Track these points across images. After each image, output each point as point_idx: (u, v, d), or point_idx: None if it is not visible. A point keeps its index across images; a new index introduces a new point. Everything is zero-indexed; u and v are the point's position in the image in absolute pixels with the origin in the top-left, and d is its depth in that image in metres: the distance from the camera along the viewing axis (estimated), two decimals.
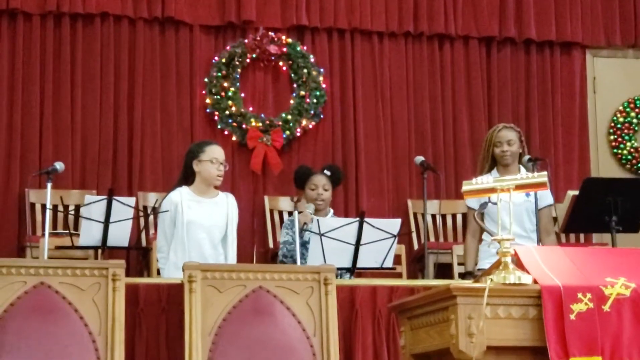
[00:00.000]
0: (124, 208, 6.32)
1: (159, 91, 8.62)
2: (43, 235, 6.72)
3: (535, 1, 9.31)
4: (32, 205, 7.97)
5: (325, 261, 5.92)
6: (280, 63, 8.86)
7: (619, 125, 9.44)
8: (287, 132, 8.71)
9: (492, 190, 4.12)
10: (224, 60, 8.72)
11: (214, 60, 8.75)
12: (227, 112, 8.66)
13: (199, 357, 4.91)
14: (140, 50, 8.62)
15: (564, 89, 9.36)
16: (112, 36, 8.59)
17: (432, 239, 8.44)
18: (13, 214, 8.20)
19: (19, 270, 4.87)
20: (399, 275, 7.62)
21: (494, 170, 6.52)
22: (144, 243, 7.76)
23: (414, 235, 8.57)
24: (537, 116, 9.24)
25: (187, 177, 6.36)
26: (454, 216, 8.71)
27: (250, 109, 8.74)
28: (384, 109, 8.98)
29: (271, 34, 8.80)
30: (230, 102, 8.66)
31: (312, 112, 8.80)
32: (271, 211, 8.55)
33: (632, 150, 9.40)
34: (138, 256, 7.83)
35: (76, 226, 7.35)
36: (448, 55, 9.20)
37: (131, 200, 6.51)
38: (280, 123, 8.71)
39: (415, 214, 8.71)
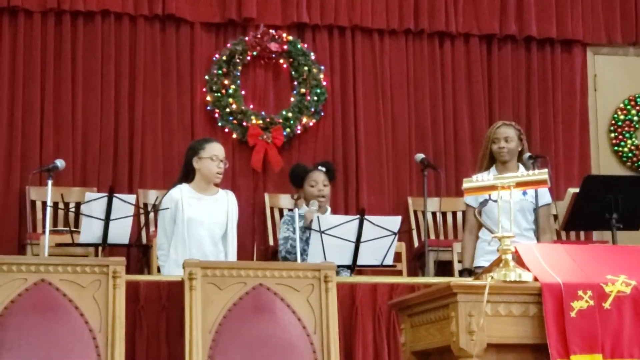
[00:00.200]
0: (124, 205, 6.31)
1: (159, 89, 8.62)
2: (43, 232, 6.71)
3: None
4: (33, 202, 7.98)
5: (325, 258, 5.92)
6: (281, 61, 8.86)
7: (619, 123, 9.44)
8: (288, 130, 8.71)
9: (493, 187, 4.12)
10: (224, 57, 8.72)
11: (214, 58, 8.75)
12: (227, 110, 8.66)
13: (199, 355, 4.91)
14: (141, 47, 8.62)
15: (565, 87, 9.35)
16: (112, 34, 8.59)
17: (432, 237, 8.44)
18: (14, 211, 8.20)
19: (19, 267, 4.88)
20: (399, 273, 7.63)
21: (492, 168, 6.53)
22: (144, 240, 7.77)
23: (414, 232, 8.57)
24: (537, 114, 9.24)
25: (188, 175, 6.37)
26: (454, 214, 8.71)
27: (251, 106, 8.74)
28: (385, 106, 8.98)
29: (272, 31, 8.79)
30: (230, 100, 8.66)
31: (312, 109, 8.80)
32: (271, 209, 8.55)
33: (632, 147, 9.40)
34: (138, 253, 7.83)
35: (77, 223, 7.37)
36: (449, 52, 9.20)
37: (132, 198, 6.51)
38: (280, 120, 8.71)
39: (415, 212, 8.71)
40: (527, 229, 6.44)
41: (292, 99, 8.83)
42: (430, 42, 9.20)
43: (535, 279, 3.89)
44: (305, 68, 8.81)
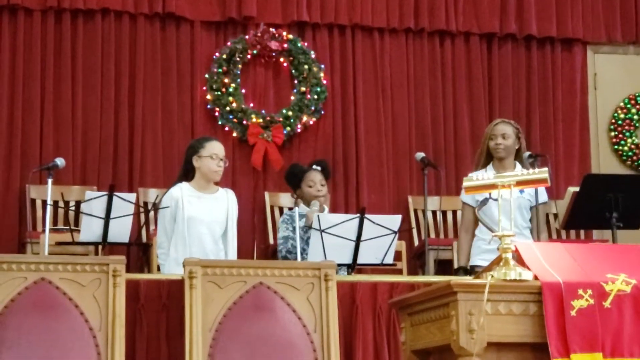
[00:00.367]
0: (124, 204, 6.32)
1: (159, 87, 8.62)
2: (43, 231, 6.71)
3: None
4: (33, 201, 7.98)
5: (325, 257, 5.92)
6: (281, 59, 8.86)
7: (619, 122, 9.44)
8: (288, 128, 8.71)
9: (493, 186, 4.12)
10: (224, 56, 8.72)
11: (214, 56, 8.75)
12: (227, 108, 8.66)
13: (199, 353, 4.91)
14: (141, 46, 8.62)
15: (565, 86, 9.35)
16: (112, 32, 8.58)
17: (432, 235, 8.44)
18: (14, 209, 8.20)
19: (19, 266, 4.88)
20: (400, 272, 7.63)
21: (489, 165, 6.55)
22: (144, 239, 7.77)
23: (415, 231, 8.57)
24: (537, 112, 9.24)
25: (187, 173, 6.37)
26: (454, 212, 8.70)
27: (251, 105, 8.74)
28: (385, 105, 8.98)
29: (272, 30, 8.79)
30: (230, 98, 8.66)
31: (312, 108, 8.80)
32: (271, 207, 8.55)
33: (632, 146, 9.40)
34: (138, 252, 7.83)
35: (77, 222, 7.36)
36: (449, 51, 9.19)
37: (132, 196, 6.51)
38: (280, 119, 8.71)
39: (415, 210, 8.71)
40: (524, 227, 6.46)
41: (292, 98, 8.83)
42: (431, 40, 9.19)
43: (536, 278, 3.89)
44: (306, 66, 8.81)
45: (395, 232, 6.22)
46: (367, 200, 8.65)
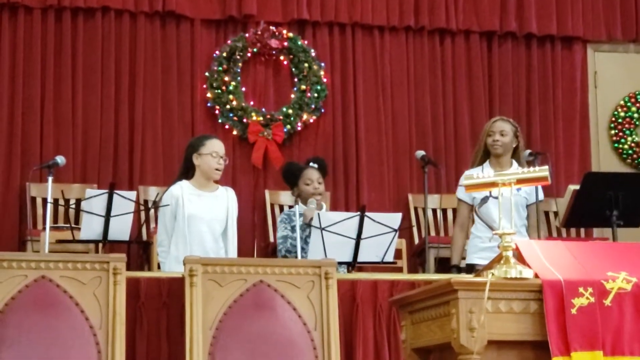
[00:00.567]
0: (124, 202, 6.31)
1: (159, 85, 8.62)
2: (44, 229, 6.71)
3: None
4: (33, 199, 7.98)
5: (326, 255, 5.92)
6: (281, 57, 8.86)
7: (619, 120, 9.44)
8: (288, 127, 8.71)
9: (493, 184, 4.12)
10: (225, 54, 8.72)
11: (215, 55, 8.75)
12: (228, 106, 8.66)
13: (199, 351, 4.91)
14: (141, 44, 8.62)
15: (565, 84, 9.35)
16: (113, 30, 8.58)
17: (432, 233, 8.44)
18: (14, 207, 8.20)
19: (19, 264, 4.88)
20: (400, 270, 7.63)
21: (486, 163, 6.57)
22: (144, 237, 7.78)
23: (415, 229, 8.57)
24: (537, 111, 9.24)
25: (188, 171, 6.37)
26: (454, 210, 8.66)
27: (251, 103, 8.74)
28: (385, 103, 8.98)
29: (272, 28, 8.79)
30: (231, 96, 8.66)
31: (312, 106, 8.79)
32: (272, 205, 8.55)
33: (632, 144, 9.39)
34: (139, 250, 7.83)
35: (77, 220, 7.35)
36: (449, 49, 9.19)
37: (132, 194, 6.51)
38: (281, 117, 8.71)
39: (416, 208, 8.71)
40: (520, 225, 6.47)
41: (292, 96, 8.83)
42: (431, 39, 9.19)
43: (536, 276, 3.89)
44: (306, 65, 8.81)
45: (395, 230, 6.22)
46: (367, 198, 8.64)
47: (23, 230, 7.96)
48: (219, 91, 8.66)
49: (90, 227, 6.35)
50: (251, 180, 8.66)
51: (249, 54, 8.78)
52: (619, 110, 9.46)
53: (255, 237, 8.50)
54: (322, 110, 8.85)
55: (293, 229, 6.70)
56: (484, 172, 4.22)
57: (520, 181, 4.10)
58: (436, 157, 8.68)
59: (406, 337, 4.34)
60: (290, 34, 8.85)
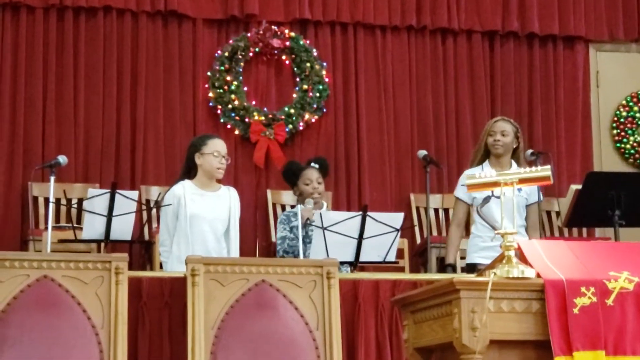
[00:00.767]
0: (126, 201, 6.31)
1: (161, 85, 8.63)
2: (46, 228, 6.72)
3: None
4: (35, 198, 7.98)
5: (327, 255, 5.92)
6: (283, 57, 8.86)
7: (622, 120, 9.44)
8: (290, 126, 8.71)
9: (495, 184, 4.12)
10: (226, 53, 8.72)
11: (216, 54, 8.75)
12: (229, 106, 8.66)
13: (201, 351, 4.91)
14: (143, 43, 8.62)
15: (567, 83, 9.35)
16: (115, 30, 8.59)
17: (434, 233, 8.44)
18: (16, 207, 8.21)
19: (22, 263, 4.87)
20: (402, 269, 7.64)
21: (485, 162, 6.57)
22: (146, 237, 7.78)
23: (417, 229, 8.58)
24: (540, 110, 9.24)
25: (190, 171, 6.37)
26: None
27: (253, 102, 8.74)
28: (387, 102, 8.98)
29: (274, 27, 8.80)
30: (233, 96, 8.66)
31: (314, 105, 8.80)
32: (274, 205, 8.55)
33: (635, 144, 9.39)
34: (141, 250, 7.84)
35: (79, 219, 7.37)
36: (451, 49, 9.19)
37: (134, 194, 6.51)
38: (283, 117, 8.71)
39: (417, 208, 8.71)
40: (520, 225, 6.47)
41: (294, 95, 8.83)
42: (433, 38, 9.20)
43: (538, 276, 3.89)
44: (308, 64, 8.81)
45: (397, 230, 6.21)
46: (369, 198, 8.65)
47: (25, 229, 7.97)
48: (221, 91, 8.67)
49: (92, 227, 6.35)
50: (253, 179, 8.66)
51: (250, 54, 8.79)
52: (621, 110, 9.46)
53: (257, 236, 8.51)
54: (324, 110, 8.86)
55: (291, 229, 6.71)
56: (484, 172, 4.22)
57: (522, 181, 4.10)
58: (438, 156, 8.68)
59: (408, 337, 4.34)
60: (292, 34, 8.85)
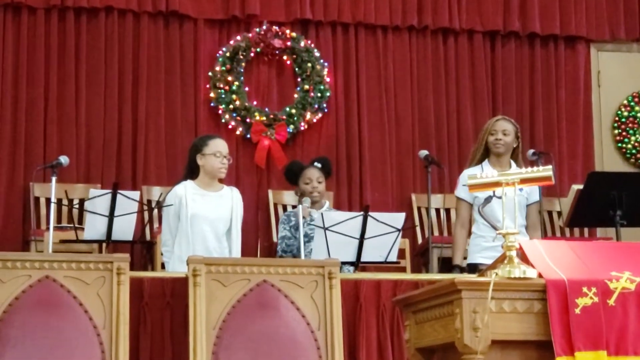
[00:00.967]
0: (128, 202, 6.32)
1: (163, 85, 8.63)
2: (48, 229, 6.72)
3: None
4: (37, 199, 7.98)
5: (329, 255, 5.92)
6: (285, 57, 8.86)
7: (623, 120, 9.43)
8: (291, 126, 8.71)
9: (497, 184, 4.12)
10: (228, 54, 8.72)
11: (218, 54, 8.75)
12: (231, 106, 8.66)
13: (203, 351, 4.91)
14: (144, 44, 8.62)
15: (568, 83, 9.35)
16: (116, 30, 8.59)
17: (436, 233, 8.44)
18: (18, 207, 8.21)
19: (23, 264, 4.87)
20: (403, 269, 7.64)
21: (485, 162, 6.56)
22: (148, 237, 7.78)
23: (418, 229, 8.57)
24: (541, 110, 9.24)
25: (192, 172, 6.37)
26: None
27: (255, 102, 8.74)
28: (388, 103, 8.98)
29: (275, 28, 8.80)
30: (234, 96, 8.66)
31: (316, 106, 8.80)
32: (275, 205, 8.55)
33: (636, 144, 9.39)
34: (142, 250, 7.83)
35: (81, 220, 7.37)
36: (452, 49, 9.19)
37: (135, 194, 6.51)
38: (284, 117, 8.71)
39: (419, 208, 8.71)
40: (521, 224, 6.46)
41: (295, 96, 8.83)
42: (434, 38, 9.20)
43: (540, 276, 3.89)
44: (309, 64, 8.81)
45: (398, 230, 6.22)
46: (370, 198, 8.65)
47: (27, 230, 7.97)
48: (222, 91, 8.67)
49: (94, 227, 6.36)
50: (254, 180, 8.66)
51: (252, 54, 8.79)
52: (623, 109, 9.46)
53: (259, 236, 8.51)
54: (325, 110, 8.86)
55: (291, 229, 6.71)
56: (484, 171, 4.23)
57: (524, 181, 4.10)
58: (439, 156, 8.68)
59: (410, 337, 4.34)
60: (294, 34, 8.85)
